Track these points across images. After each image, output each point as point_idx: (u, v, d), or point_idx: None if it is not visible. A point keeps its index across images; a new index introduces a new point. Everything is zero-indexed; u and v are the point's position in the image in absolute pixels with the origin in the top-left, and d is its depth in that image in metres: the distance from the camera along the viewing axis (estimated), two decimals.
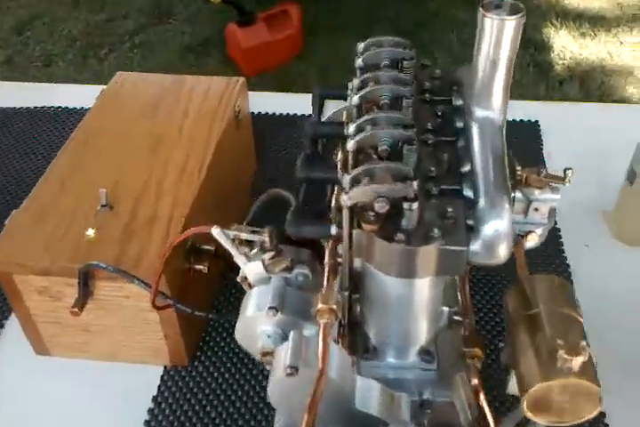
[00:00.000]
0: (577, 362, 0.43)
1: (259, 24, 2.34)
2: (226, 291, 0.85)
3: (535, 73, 2.49)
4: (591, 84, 2.38)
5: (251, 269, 0.50)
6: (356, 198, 0.44)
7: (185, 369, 0.77)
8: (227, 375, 0.76)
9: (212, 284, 0.85)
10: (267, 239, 0.49)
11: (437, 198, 0.47)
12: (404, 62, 0.56)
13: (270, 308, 0.47)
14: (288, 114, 1.13)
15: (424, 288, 0.48)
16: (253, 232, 0.50)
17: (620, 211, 0.90)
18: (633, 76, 2.50)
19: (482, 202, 0.46)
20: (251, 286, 0.52)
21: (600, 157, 1.00)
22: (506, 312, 0.50)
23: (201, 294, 0.81)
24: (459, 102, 0.57)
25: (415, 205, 0.44)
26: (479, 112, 0.49)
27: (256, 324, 0.49)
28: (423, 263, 0.45)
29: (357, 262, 0.49)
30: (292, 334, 0.46)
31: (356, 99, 0.52)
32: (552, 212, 0.56)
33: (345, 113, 0.65)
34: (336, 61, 2.49)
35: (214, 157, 0.81)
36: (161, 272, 0.59)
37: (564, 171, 0.53)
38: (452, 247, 0.44)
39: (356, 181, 0.45)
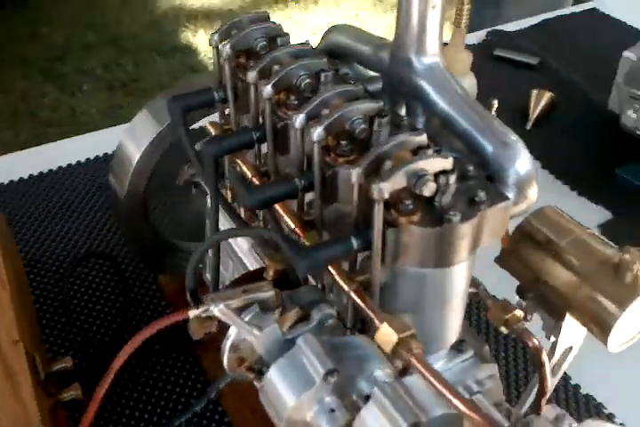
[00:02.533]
0: None
1: None
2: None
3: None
4: None
5: (265, 339, 0.35)
6: (394, 185, 0.34)
7: None
8: None
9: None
10: (270, 294, 0.34)
11: None
12: (279, 39, 0.46)
13: (329, 372, 0.34)
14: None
15: (463, 271, 0.40)
16: (246, 292, 0.35)
17: None
18: None
19: (489, 147, 0.40)
20: (255, 371, 0.36)
21: None
22: (524, 265, 0.45)
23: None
24: (344, 71, 0.50)
25: (454, 177, 0.35)
26: (423, 61, 0.42)
27: (304, 408, 0.34)
28: (477, 236, 0.37)
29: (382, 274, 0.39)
30: (375, 390, 0.34)
31: (269, 89, 0.41)
32: None
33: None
34: None
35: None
36: None
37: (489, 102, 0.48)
38: (501, 204, 0.37)
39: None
